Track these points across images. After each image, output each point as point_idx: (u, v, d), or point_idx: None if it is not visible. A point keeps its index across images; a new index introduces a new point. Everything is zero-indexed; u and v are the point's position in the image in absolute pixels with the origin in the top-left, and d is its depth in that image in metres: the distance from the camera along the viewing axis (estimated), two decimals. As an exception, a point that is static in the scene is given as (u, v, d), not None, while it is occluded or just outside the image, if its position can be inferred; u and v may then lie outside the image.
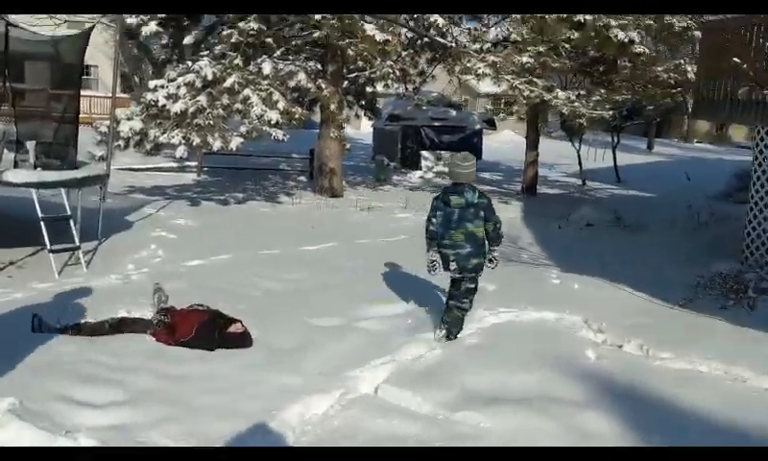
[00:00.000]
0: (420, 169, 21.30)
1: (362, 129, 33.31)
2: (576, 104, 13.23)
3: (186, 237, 9.86)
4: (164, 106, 12.20)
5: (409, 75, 15.52)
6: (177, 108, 12.12)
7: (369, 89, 18.49)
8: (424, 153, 21.80)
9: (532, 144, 17.22)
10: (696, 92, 10.45)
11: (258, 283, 7.29)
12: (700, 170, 26.64)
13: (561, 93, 13.53)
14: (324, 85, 13.67)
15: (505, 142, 33.81)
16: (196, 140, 12.06)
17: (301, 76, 13.25)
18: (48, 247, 7.25)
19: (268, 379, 4.61)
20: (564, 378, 4.67)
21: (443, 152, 21.96)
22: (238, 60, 12.79)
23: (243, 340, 5.20)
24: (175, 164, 18.58)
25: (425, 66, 16.48)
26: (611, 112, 14.02)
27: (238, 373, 4.71)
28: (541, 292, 7.27)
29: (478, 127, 23.26)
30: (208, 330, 5.20)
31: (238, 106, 12.28)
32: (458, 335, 5.50)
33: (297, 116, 12.89)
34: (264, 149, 17.86)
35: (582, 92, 13.66)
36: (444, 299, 6.59)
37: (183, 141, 12.01)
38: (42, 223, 7.25)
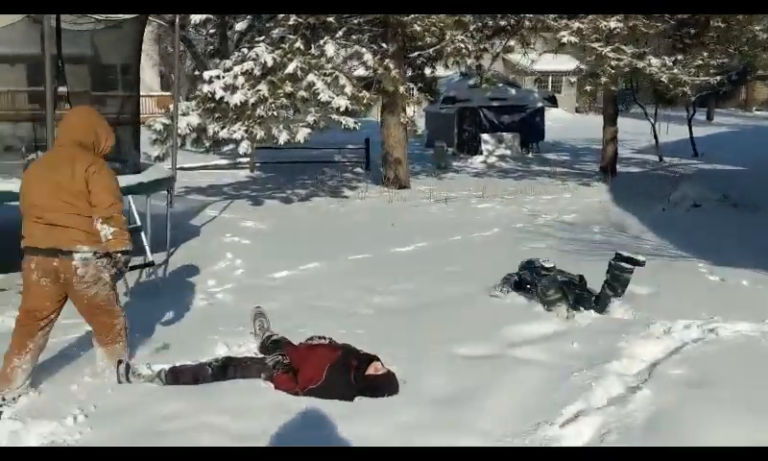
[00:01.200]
0: (481, 153, 19.98)
1: (408, 113, 31.96)
2: (675, 71, 11.79)
3: (262, 243, 8.76)
4: (222, 98, 11.10)
5: (480, 50, 14.20)
6: (236, 99, 11.02)
7: (428, 70, 17.28)
8: (484, 136, 20.45)
9: (610, 119, 15.81)
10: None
11: (367, 298, 6.12)
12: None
13: (654, 60, 12.10)
14: (392, 66, 12.43)
15: (557, 120, 32.19)
16: (259, 134, 10.95)
17: (368, 57, 12.06)
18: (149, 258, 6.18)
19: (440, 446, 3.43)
20: None
21: (504, 133, 20.62)
22: (299, 44, 11.62)
23: (388, 385, 4.03)
24: (226, 161, 17.59)
25: (492, 41, 15.07)
26: (717, 78, 12.55)
27: (397, 436, 3.54)
28: (709, 295, 6.00)
29: (540, 105, 21.80)
30: (342, 373, 4.04)
31: (303, 93, 11.12)
32: None
33: (365, 102, 11.71)
34: (315, 141, 16.80)
35: (679, 57, 12.21)
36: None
37: (246, 135, 10.91)
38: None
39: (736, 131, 29.81)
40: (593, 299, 5.59)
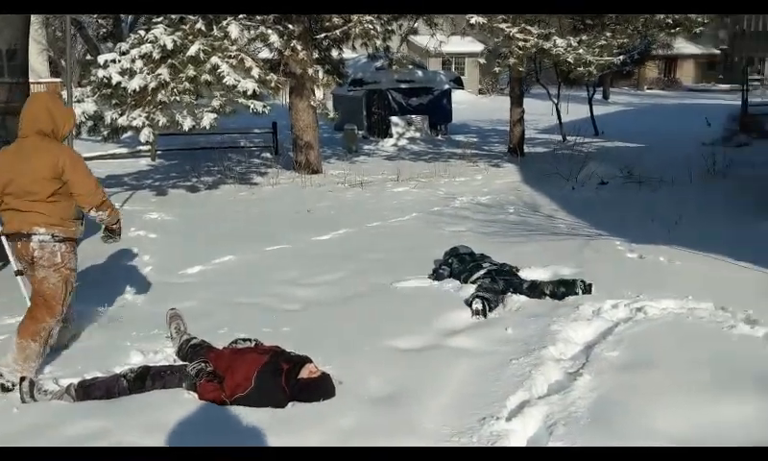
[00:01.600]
0: (391, 136, 19.87)
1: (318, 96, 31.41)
2: (580, 51, 11.99)
3: (171, 236, 8.27)
4: (119, 83, 10.44)
5: (387, 31, 14.01)
6: (134, 84, 10.39)
7: (335, 52, 16.95)
8: (393, 118, 20.32)
9: (517, 100, 16.00)
10: (732, 27, 9.32)
11: (289, 292, 5.83)
12: (673, 116, 26.07)
13: (559, 40, 12.27)
14: (299, 47, 12.06)
15: (461, 102, 32.47)
16: (162, 120, 10.38)
17: (274, 38, 11.63)
18: (15, 268, 5.59)
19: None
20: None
21: (413, 116, 20.57)
22: (200, 25, 11.07)
23: (323, 388, 3.77)
24: (125, 150, 16.70)
25: (400, 22, 14.92)
26: (620, 57, 12.85)
27: (338, 442, 3.31)
28: (632, 273, 6.06)
29: (447, 87, 21.85)
30: (273, 378, 3.76)
31: (207, 77, 10.60)
32: None
33: (273, 85, 11.30)
34: (218, 125, 16.16)
35: (583, 38, 12.42)
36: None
37: (147, 122, 10.30)
38: (4, 238, 5.58)
39: (631, 109, 31.03)
40: (526, 286, 5.50)
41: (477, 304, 5.06)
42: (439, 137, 20.48)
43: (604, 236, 7.83)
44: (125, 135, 12.29)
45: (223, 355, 4.06)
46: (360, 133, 19.83)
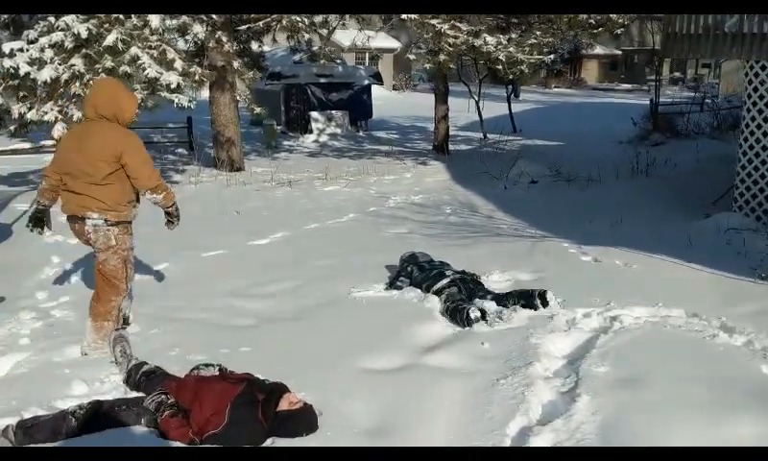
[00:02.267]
0: (311, 132, 19.39)
1: (242, 90, 30.42)
2: (511, 49, 11.94)
3: (93, 242, 7.57)
4: (28, 73, 9.54)
5: (311, 24, 13.53)
6: (45, 75, 9.51)
7: (255, 45, 16.37)
8: (314, 114, 19.83)
9: (442, 97, 15.89)
10: (665, 28, 9.48)
11: (238, 305, 5.37)
12: (583, 114, 26.75)
13: (489, 38, 12.19)
14: (224, 39, 11.46)
15: (377, 98, 32.21)
16: (76, 114, 9.56)
17: (198, 28, 10.98)
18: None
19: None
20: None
21: (333, 111, 20.16)
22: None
23: (307, 421, 3.38)
24: (28, 145, 15.46)
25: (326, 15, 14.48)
26: (551, 57, 12.91)
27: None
28: (594, 278, 5.94)
29: (366, 82, 21.56)
30: (248, 411, 3.34)
31: (126, 69, 9.85)
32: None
33: (197, 78, 10.66)
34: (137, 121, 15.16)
35: (513, 36, 12.40)
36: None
37: (60, 117, 9.47)
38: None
39: (542, 107, 31.70)
40: (491, 298, 5.25)
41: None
42: (360, 134, 20.17)
43: (549, 237, 7.73)
44: (56, 133, 11.34)
45: (186, 385, 3.59)
46: (278, 128, 19.26)
